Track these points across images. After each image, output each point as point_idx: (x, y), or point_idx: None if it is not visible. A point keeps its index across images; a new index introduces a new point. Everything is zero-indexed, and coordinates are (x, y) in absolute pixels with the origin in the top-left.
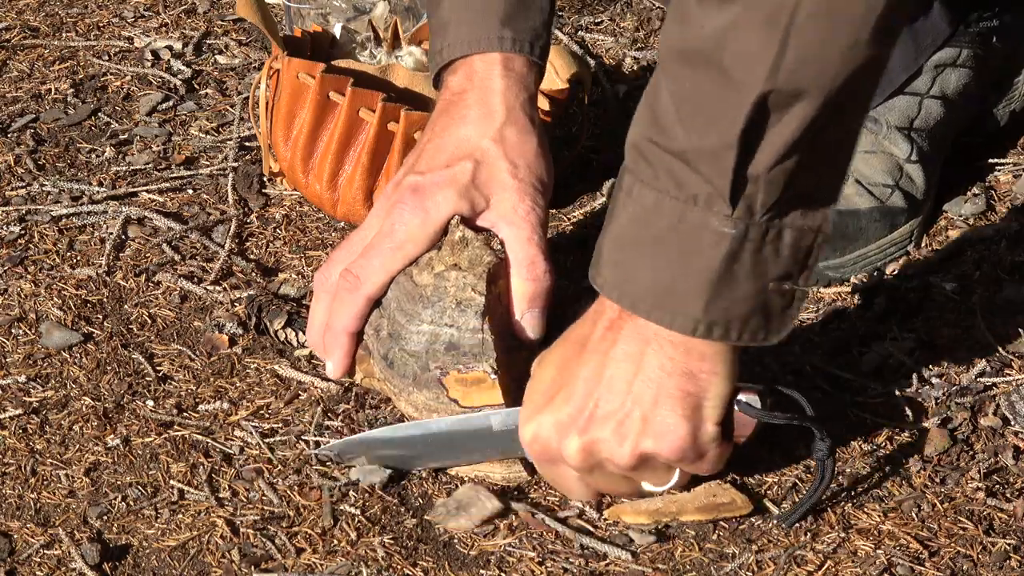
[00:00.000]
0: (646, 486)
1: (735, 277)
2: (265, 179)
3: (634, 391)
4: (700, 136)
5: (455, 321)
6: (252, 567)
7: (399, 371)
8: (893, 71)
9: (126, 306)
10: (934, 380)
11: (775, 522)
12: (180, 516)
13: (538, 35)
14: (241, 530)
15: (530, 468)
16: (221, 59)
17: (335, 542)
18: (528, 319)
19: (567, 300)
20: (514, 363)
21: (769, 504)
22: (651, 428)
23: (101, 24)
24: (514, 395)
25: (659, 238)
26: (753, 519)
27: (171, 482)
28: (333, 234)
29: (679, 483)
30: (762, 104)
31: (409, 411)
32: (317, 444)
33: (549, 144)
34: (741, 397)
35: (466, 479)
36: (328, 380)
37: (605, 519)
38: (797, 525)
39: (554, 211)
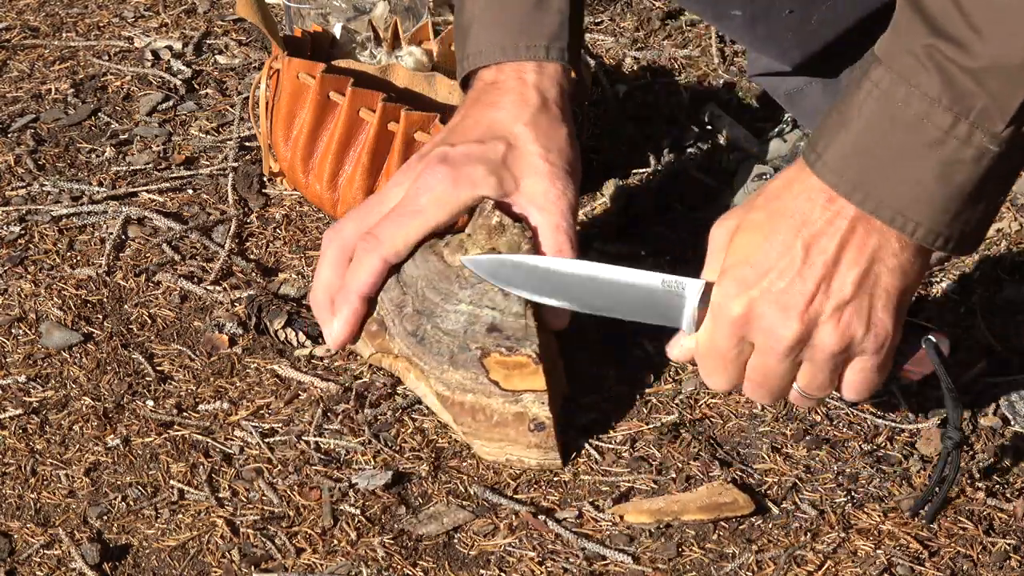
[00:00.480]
0: (801, 391)
1: (984, 194)
2: (265, 179)
3: (858, 281)
4: (1005, 50)
5: (497, 304)
6: (252, 567)
7: (431, 348)
8: None
9: (126, 306)
10: (934, 380)
11: (913, 515)
12: (180, 516)
13: (556, 36)
14: (241, 530)
15: (564, 456)
16: (221, 59)
17: (335, 542)
18: (554, 308)
19: None
20: (548, 351)
21: (770, 504)
22: (865, 319)
23: (101, 24)
24: (549, 383)
25: (919, 146)
26: (753, 519)
27: (171, 482)
28: None
29: (824, 396)
30: None
31: (440, 389)
32: (317, 445)
33: None
34: (932, 337)
35: (500, 464)
36: (328, 380)
37: (606, 518)
38: (797, 525)
39: None
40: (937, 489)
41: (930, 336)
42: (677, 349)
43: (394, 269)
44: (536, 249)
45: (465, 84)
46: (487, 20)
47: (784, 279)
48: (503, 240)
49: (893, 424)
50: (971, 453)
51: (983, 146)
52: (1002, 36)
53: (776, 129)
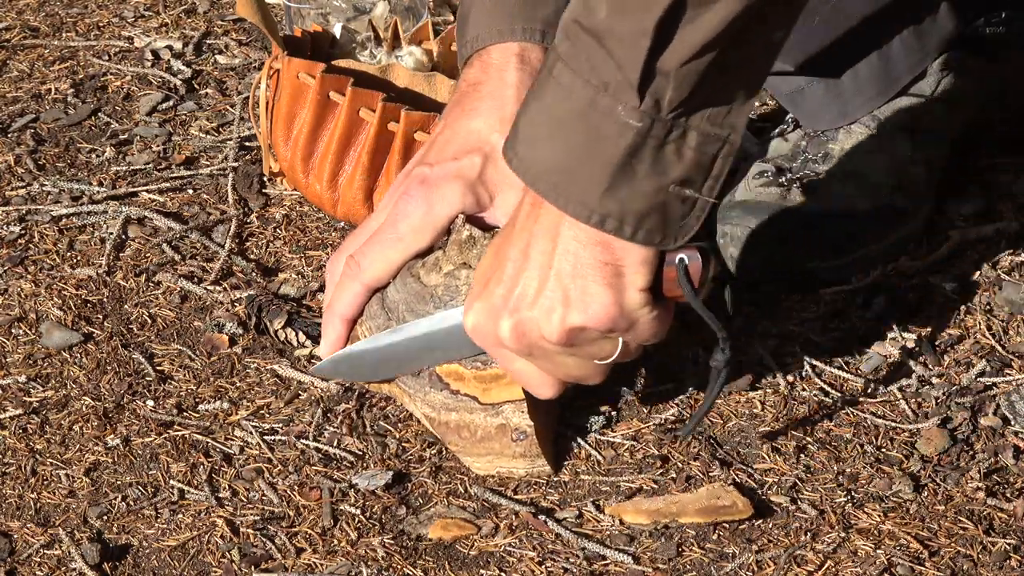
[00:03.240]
0: (596, 362)
1: (634, 172)
2: (265, 179)
3: (554, 265)
4: (620, 18)
5: None
6: (252, 567)
7: (412, 373)
8: (898, 71)
9: (126, 306)
10: (934, 380)
11: (677, 436)
12: (180, 516)
13: (550, 23)
14: (241, 530)
15: (555, 464)
16: (221, 59)
17: (335, 542)
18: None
19: None
20: None
21: (771, 503)
22: (574, 300)
23: (101, 24)
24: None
25: (567, 120)
26: (753, 519)
27: (171, 482)
28: (333, 234)
29: (625, 353)
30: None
31: (426, 411)
32: (317, 445)
33: None
34: (683, 255)
35: (488, 477)
36: (328, 380)
37: (606, 519)
38: (797, 525)
39: None
40: (701, 409)
41: (682, 255)
42: None
43: (380, 299)
44: None
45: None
46: (485, 7)
47: (496, 282)
48: (474, 253)
49: (893, 424)
50: (971, 453)
51: (622, 120)
52: (620, 6)
53: (777, 129)
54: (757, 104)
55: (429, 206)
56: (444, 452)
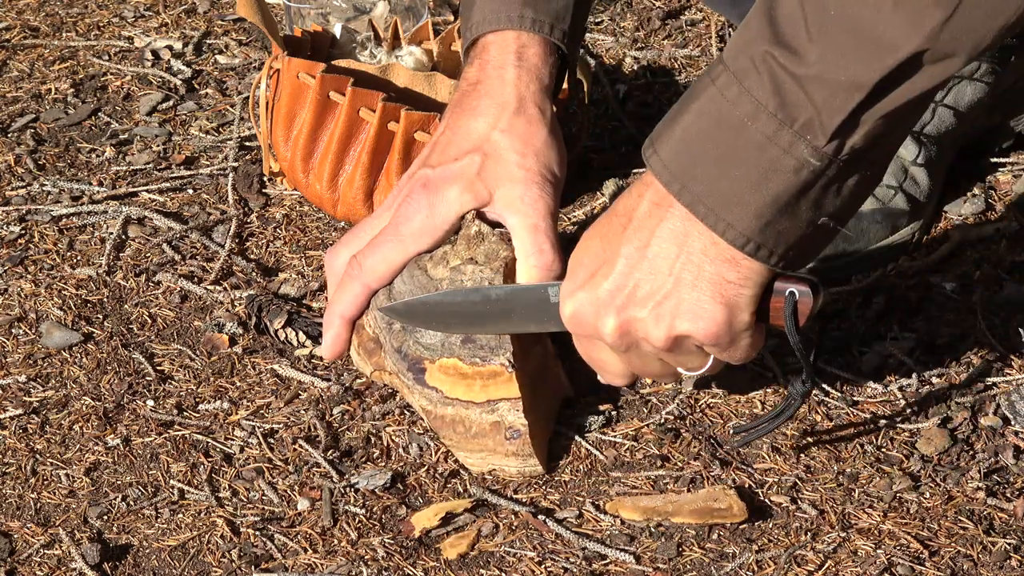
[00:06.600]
0: (681, 371)
1: (799, 207)
2: (265, 179)
3: (675, 272)
4: (836, 68)
5: None
6: (252, 567)
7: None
8: None
9: (126, 306)
10: (934, 380)
11: (731, 436)
12: (180, 516)
13: (559, 17)
14: (241, 530)
15: (547, 464)
16: (221, 59)
17: (335, 542)
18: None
19: None
20: (528, 357)
21: (770, 503)
22: (687, 310)
23: (101, 24)
24: (529, 390)
25: (741, 148)
26: (753, 519)
27: (171, 482)
28: (333, 234)
29: (712, 369)
30: (914, 59)
31: (424, 403)
32: (317, 445)
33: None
34: (793, 289)
35: (488, 477)
36: (328, 380)
37: (606, 518)
38: (797, 525)
39: None
40: (766, 424)
41: (792, 289)
42: None
43: (387, 292)
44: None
45: (467, 56)
46: None
47: (605, 276)
48: (481, 249)
49: (893, 424)
50: (971, 453)
51: (803, 158)
52: (832, 49)
53: None
54: None
55: (431, 209)
56: (444, 452)
